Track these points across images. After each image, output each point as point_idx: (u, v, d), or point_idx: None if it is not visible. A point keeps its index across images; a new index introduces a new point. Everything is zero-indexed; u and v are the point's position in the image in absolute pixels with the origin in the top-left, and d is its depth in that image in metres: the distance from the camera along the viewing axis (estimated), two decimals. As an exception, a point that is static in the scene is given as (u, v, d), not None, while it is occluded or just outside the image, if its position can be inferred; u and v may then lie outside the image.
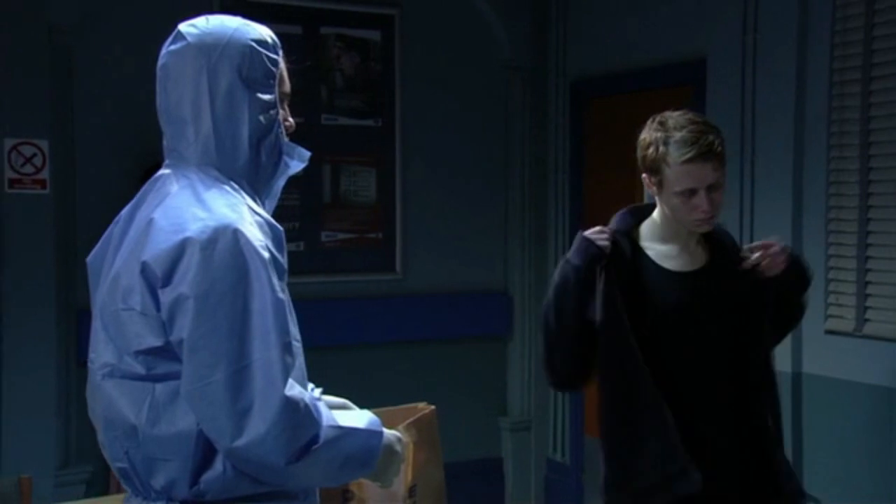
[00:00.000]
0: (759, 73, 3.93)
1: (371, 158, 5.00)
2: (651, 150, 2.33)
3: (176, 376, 1.59)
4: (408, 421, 1.96)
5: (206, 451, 1.60)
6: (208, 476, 1.60)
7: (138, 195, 1.77)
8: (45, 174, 4.10)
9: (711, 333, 2.38)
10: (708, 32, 4.21)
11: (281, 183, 1.82)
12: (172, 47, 1.72)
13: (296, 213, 4.81)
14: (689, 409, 2.29)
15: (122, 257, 1.65)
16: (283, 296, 1.64)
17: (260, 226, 1.64)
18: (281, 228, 1.72)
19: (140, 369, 1.60)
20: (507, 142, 5.30)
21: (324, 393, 1.97)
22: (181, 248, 1.57)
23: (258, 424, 1.54)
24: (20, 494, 2.66)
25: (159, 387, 1.60)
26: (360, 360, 4.93)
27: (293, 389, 1.58)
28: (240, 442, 1.54)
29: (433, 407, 2.09)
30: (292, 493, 1.70)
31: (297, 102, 4.96)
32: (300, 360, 1.72)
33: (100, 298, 1.69)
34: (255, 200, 1.71)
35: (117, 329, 1.62)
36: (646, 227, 2.45)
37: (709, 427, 2.32)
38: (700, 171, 2.27)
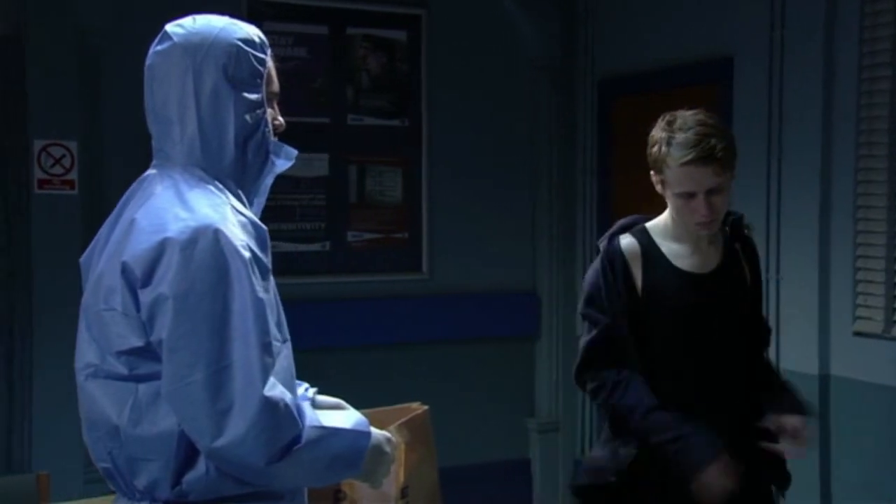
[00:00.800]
0: (786, 71, 3.89)
1: (397, 158, 5.00)
2: (655, 148, 2.32)
3: (159, 376, 1.59)
4: (399, 421, 1.95)
5: (188, 452, 1.60)
6: (191, 476, 1.60)
7: (126, 195, 1.77)
8: (73, 175, 4.14)
9: (720, 335, 2.36)
10: (735, 30, 4.17)
11: (269, 182, 1.82)
12: (159, 47, 1.73)
13: (322, 214, 4.83)
14: (692, 407, 2.27)
15: (105, 258, 1.66)
16: (265, 296, 1.63)
17: (243, 226, 1.64)
18: (265, 228, 1.71)
19: (123, 370, 1.60)
20: (534, 141, 5.28)
21: (320, 392, 1.98)
22: (161, 249, 1.57)
23: (238, 425, 1.53)
24: (38, 491, 2.68)
25: (142, 387, 1.60)
26: (386, 360, 4.94)
27: (274, 390, 1.57)
28: (220, 442, 1.54)
29: (426, 407, 2.08)
30: (278, 493, 1.70)
31: (322, 103, 5.04)
32: (288, 361, 1.72)
33: (84, 299, 1.69)
34: (240, 200, 1.71)
35: (100, 329, 1.62)
36: (658, 225, 2.43)
37: (711, 425, 2.31)
38: (699, 174, 2.24)
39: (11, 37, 4.06)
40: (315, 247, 4.83)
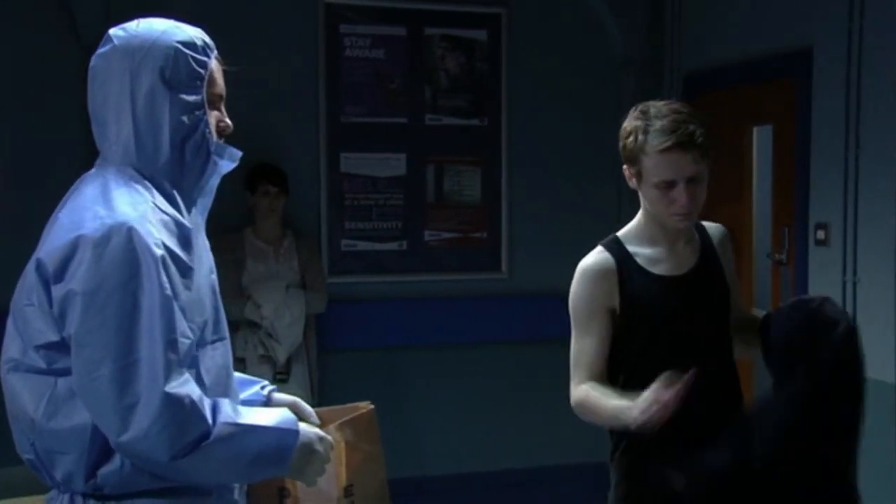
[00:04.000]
0: (864, 62, 3.72)
1: (476, 158, 5.01)
2: (630, 139, 2.23)
3: None
4: (340, 420, 1.94)
5: (103, 446, 1.62)
6: (105, 470, 1.63)
7: (66, 194, 1.80)
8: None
9: (702, 337, 2.27)
10: (814, 19, 4.01)
11: (214, 182, 1.84)
12: (101, 50, 1.76)
13: (399, 213, 4.87)
14: (681, 411, 2.19)
15: (33, 255, 1.71)
16: (186, 294, 1.66)
17: (165, 224, 1.67)
18: (189, 227, 1.73)
19: (42, 364, 1.64)
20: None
21: (276, 390, 2.01)
22: (74, 246, 1.60)
23: (142, 420, 1.56)
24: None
25: (61, 381, 1.63)
26: (463, 359, 4.95)
27: (181, 387, 1.59)
28: (125, 437, 1.56)
29: (372, 407, 2.06)
30: (202, 489, 1.71)
31: (400, 103, 5.09)
32: (224, 359, 1.75)
33: (14, 294, 1.73)
34: (171, 199, 1.73)
35: (23, 324, 1.66)
36: (631, 231, 2.35)
37: (699, 426, 2.22)
38: (679, 161, 2.16)
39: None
40: (392, 246, 4.88)
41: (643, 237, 2.32)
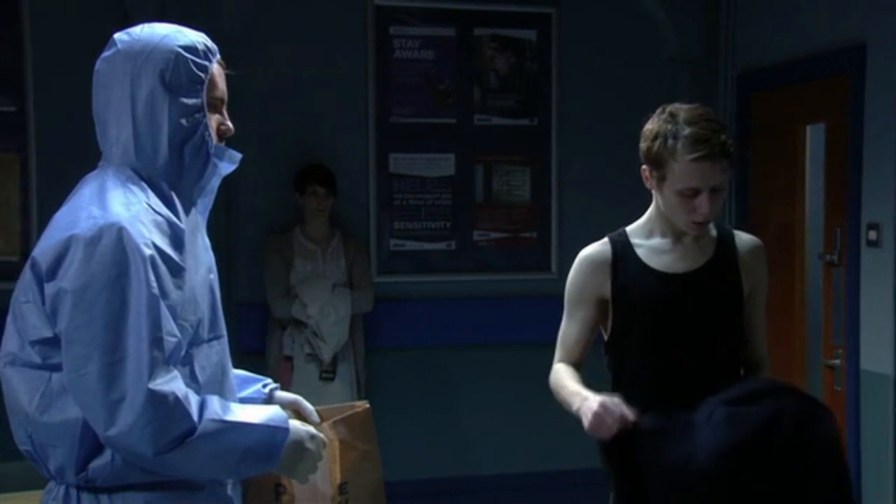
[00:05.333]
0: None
1: (525, 158, 5.00)
2: (658, 142, 2.23)
3: None
4: (334, 419, 1.95)
5: (94, 440, 1.67)
6: (96, 463, 1.68)
7: (69, 195, 1.85)
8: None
9: (701, 337, 2.25)
10: (866, 15, 3.91)
11: (215, 183, 1.88)
12: (105, 54, 1.81)
13: (447, 213, 4.89)
14: (669, 407, 2.17)
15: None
16: (177, 293, 1.69)
17: (158, 224, 1.71)
18: (183, 227, 1.76)
19: (37, 359, 1.69)
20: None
21: (277, 388, 2.04)
22: (67, 245, 1.65)
23: (127, 416, 1.60)
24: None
25: (55, 376, 1.68)
26: (512, 359, 4.94)
27: (166, 384, 1.63)
28: (112, 431, 1.61)
29: (367, 406, 2.07)
30: (194, 483, 1.75)
31: (449, 104, 5.10)
32: (220, 356, 1.79)
33: (15, 291, 1.79)
34: (168, 199, 1.77)
35: (21, 320, 1.72)
36: (640, 224, 2.37)
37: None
38: (708, 171, 2.16)
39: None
40: (441, 245, 4.90)
41: (650, 231, 2.34)
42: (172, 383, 1.65)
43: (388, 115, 4.80)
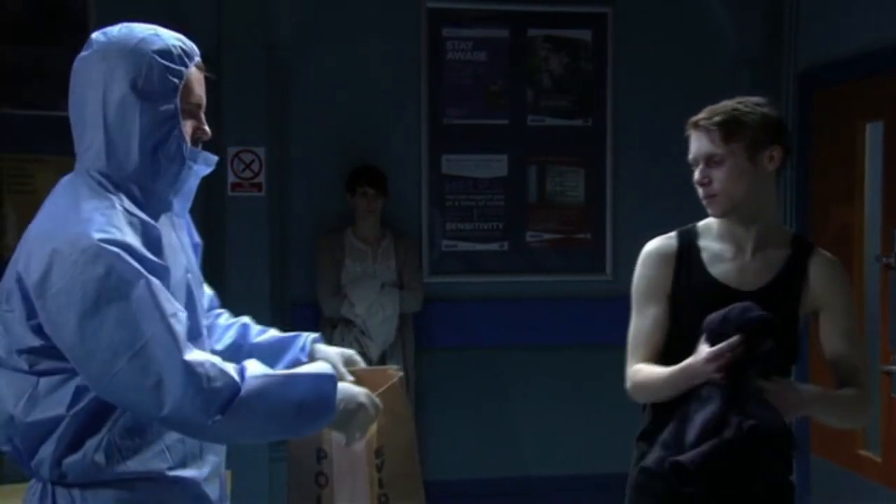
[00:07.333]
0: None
1: (579, 158, 4.98)
2: None
3: (59, 371, 1.71)
4: (377, 393, 1.99)
5: (73, 439, 1.71)
6: (70, 459, 1.72)
7: (44, 200, 1.86)
8: (261, 178, 4.47)
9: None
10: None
11: (193, 185, 1.88)
12: (83, 54, 1.81)
13: (500, 214, 4.90)
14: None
15: (11, 261, 1.78)
16: (153, 281, 1.70)
17: (133, 226, 1.72)
18: (159, 229, 1.77)
19: (24, 365, 1.72)
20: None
21: (318, 341, 2.12)
22: (50, 261, 1.66)
23: (172, 393, 1.64)
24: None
25: (43, 381, 1.72)
26: (565, 361, 4.93)
27: (197, 354, 1.68)
28: (164, 412, 1.65)
29: (401, 374, 2.11)
30: (166, 478, 1.77)
31: (501, 105, 5.11)
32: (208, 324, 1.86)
33: None
34: (141, 204, 1.78)
35: (4, 328, 1.75)
36: (710, 223, 2.30)
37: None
38: (697, 140, 2.20)
39: (208, 54, 4.43)
40: (493, 246, 4.91)
41: (717, 233, 2.28)
42: (202, 353, 1.71)
43: (441, 117, 4.83)
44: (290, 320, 4.52)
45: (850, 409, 2.24)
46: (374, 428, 1.97)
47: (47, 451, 1.73)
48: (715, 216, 2.25)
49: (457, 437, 4.79)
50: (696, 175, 2.22)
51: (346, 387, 1.83)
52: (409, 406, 2.17)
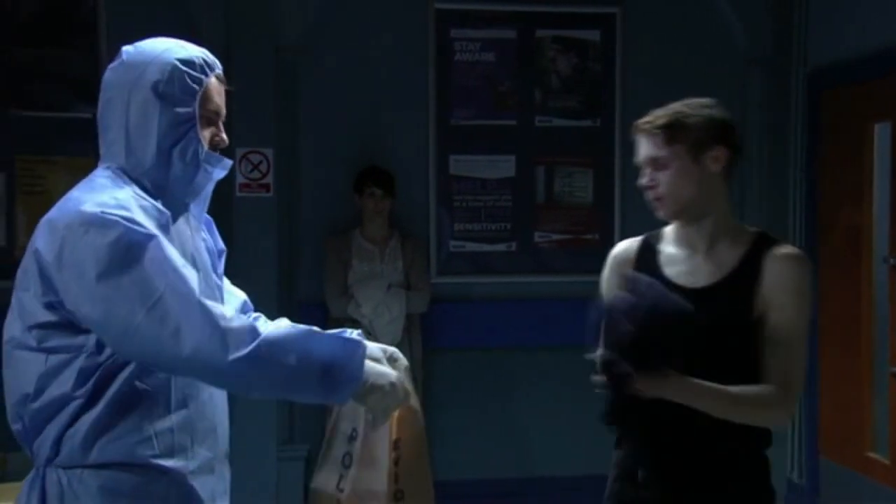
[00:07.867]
0: None
1: (587, 159, 4.99)
2: None
3: (67, 349, 1.78)
4: None
5: (67, 421, 1.78)
6: (65, 437, 1.79)
7: None
8: (269, 179, 4.50)
9: (701, 356, 2.06)
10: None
11: (208, 189, 1.98)
12: (112, 64, 1.93)
13: (507, 214, 4.91)
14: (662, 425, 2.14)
15: (30, 244, 1.87)
16: (161, 239, 1.78)
17: (145, 209, 1.82)
18: (168, 213, 1.87)
19: (33, 342, 1.80)
20: (741, 139, 5.05)
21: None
22: (63, 235, 1.75)
23: (192, 333, 1.71)
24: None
25: (52, 359, 1.79)
26: (572, 361, 4.86)
27: (208, 299, 1.75)
28: (185, 353, 1.71)
29: (406, 363, 2.12)
30: (154, 467, 1.81)
31: (509, 105, 5.12)
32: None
33: (17, 277, 1.90)
34: (153, 196, 1.87)
35: (20, 307, 1.83)
36: (671, 228, 2.28)
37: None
38: (642, 144, 2.22)
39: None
40: (501, 247, 4.92)
41: (673, 237, 2.28)
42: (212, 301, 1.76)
43: (449, 117, 4.84)
44: (297, 320, 4.49)
45: (748, 405, 2.10)
46: (395, 415, 2.01)
47: (52, 430, 1.79)
48: (664, 218, 2.25)
49: (464, 438, 4.80)
50: (643, 179, 2.22)
51: (377, 365, 1.87)
52: (416, 396, 2.20)
